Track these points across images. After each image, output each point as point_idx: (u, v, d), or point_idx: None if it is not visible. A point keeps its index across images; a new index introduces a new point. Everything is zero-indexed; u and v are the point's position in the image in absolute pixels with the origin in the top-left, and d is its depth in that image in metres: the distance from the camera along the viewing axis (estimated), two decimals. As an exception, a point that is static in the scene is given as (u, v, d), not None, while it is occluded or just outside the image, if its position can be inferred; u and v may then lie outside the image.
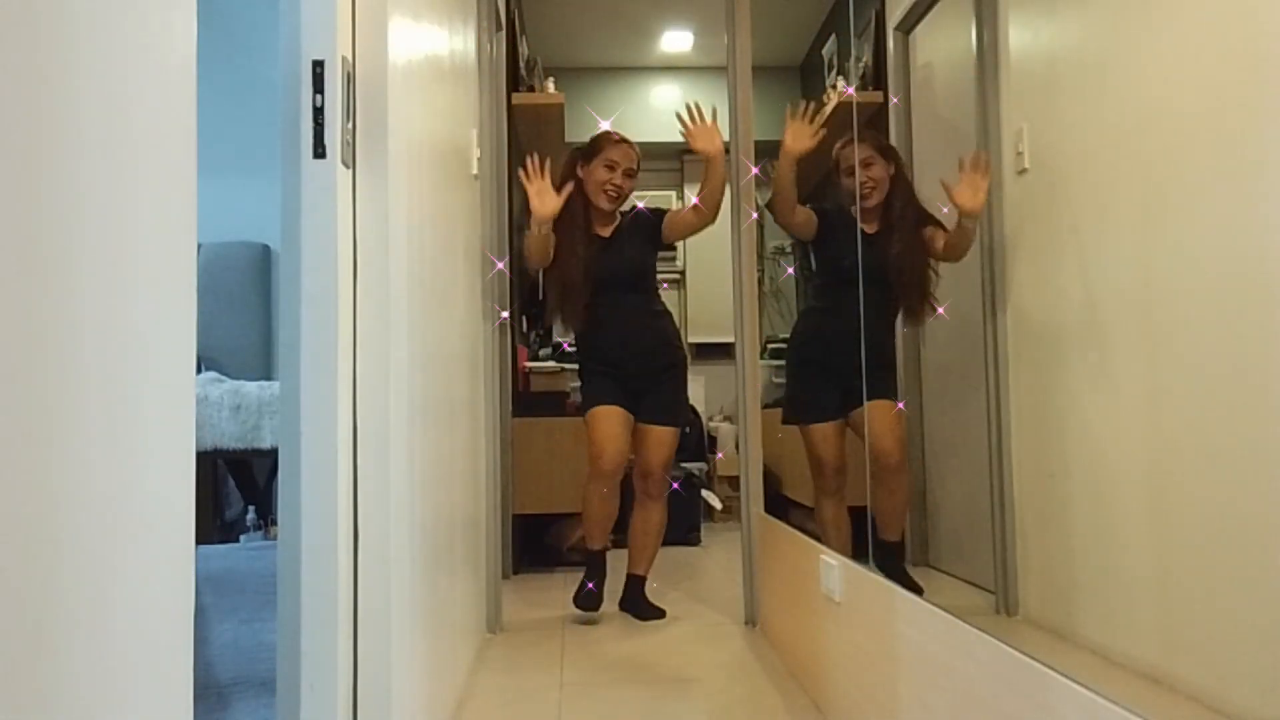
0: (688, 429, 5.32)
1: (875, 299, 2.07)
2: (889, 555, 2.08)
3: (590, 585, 2.78)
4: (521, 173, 2.68)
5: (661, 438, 2.84)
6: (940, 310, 2.08)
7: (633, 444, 2.83)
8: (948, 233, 1.93)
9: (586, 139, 2.97)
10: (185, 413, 0.70)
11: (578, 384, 3.07)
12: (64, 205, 0.56)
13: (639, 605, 2.86)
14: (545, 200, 2.66)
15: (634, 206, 2.99)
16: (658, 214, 2.94)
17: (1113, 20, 1.42)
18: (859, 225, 2.17)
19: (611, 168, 2.83)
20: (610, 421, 2.76)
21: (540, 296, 3.02)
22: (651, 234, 2.90)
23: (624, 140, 2.89)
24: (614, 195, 2.83)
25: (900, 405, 2.20)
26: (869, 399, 2.13)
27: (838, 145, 2.30)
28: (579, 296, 2.81)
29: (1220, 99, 1.13)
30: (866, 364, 2.04)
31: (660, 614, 2.84)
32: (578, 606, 2.77)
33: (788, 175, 2.44)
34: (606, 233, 2.89)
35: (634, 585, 2.88)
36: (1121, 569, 1.40)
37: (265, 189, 3.80)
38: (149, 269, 0.65)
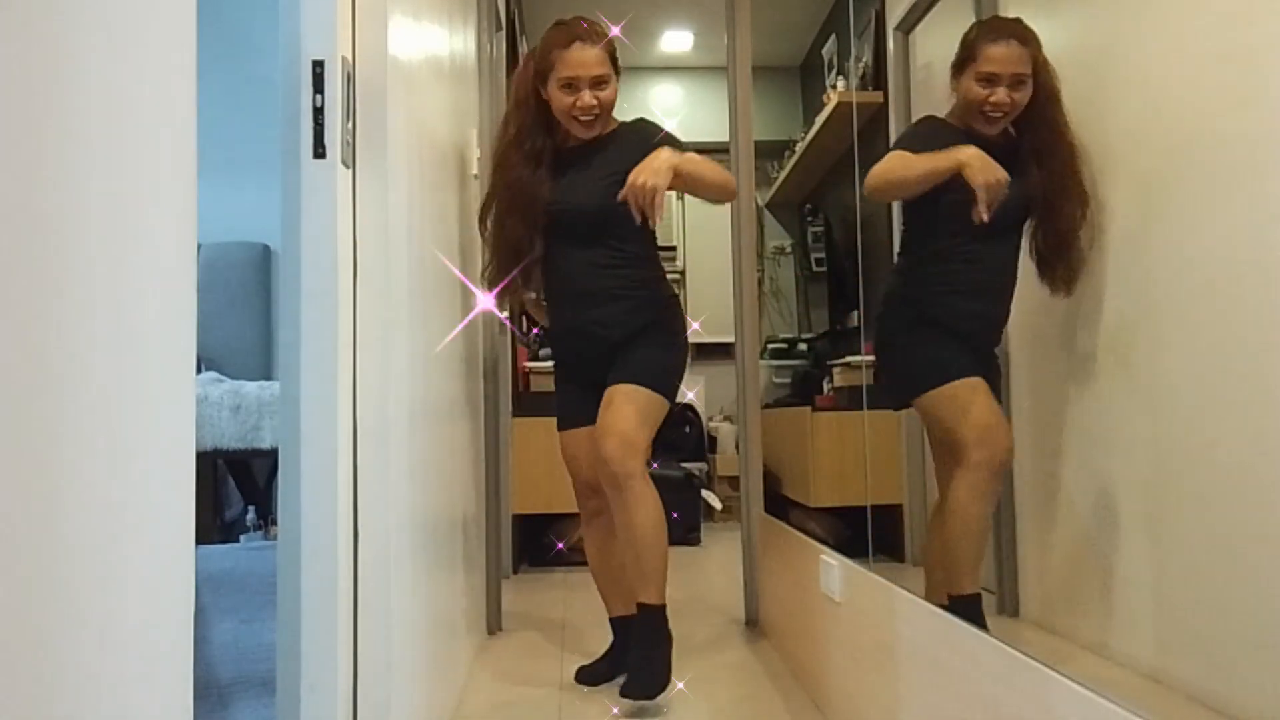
0: (686, 428, 4.82)
1: (1004, 243, 1.59)
2: (968, 612, 1.49)
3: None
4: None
5: (619, 396, 2.02)
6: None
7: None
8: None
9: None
10: (185, 413, 0.70)
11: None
12: (64, 205, 0.56)
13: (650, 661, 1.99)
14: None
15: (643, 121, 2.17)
16: (665, 138, 2.06)
17: (1112, 20, 1.42)
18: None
19: (571, 86, 2.02)
20: (580, 445, 2.16)
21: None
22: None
23: (578, 35, 2.03)
24: (589, 120, 2.05)
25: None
26: (975, 374, 1.66)
27: (976, 31, 1.68)
28: (526, 247, 2.10)
29: (1221, 97, 1.13)
30: (997, 328, 1.64)
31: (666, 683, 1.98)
32: (579, 680, 2.20)
33: (921, 183, 1.71)
34: (586, 137, 2.10)
35: (642, 620, 2.02)
36: (1122, 569, 1.40)
37: (265, 189, 3.81)
38: (149, 269, 0.65)
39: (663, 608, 2.03)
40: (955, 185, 1.58)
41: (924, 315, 1.77)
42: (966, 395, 1.68)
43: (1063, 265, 1.51)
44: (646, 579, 2.02)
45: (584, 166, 2.10)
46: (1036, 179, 1.54)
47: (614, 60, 2.08)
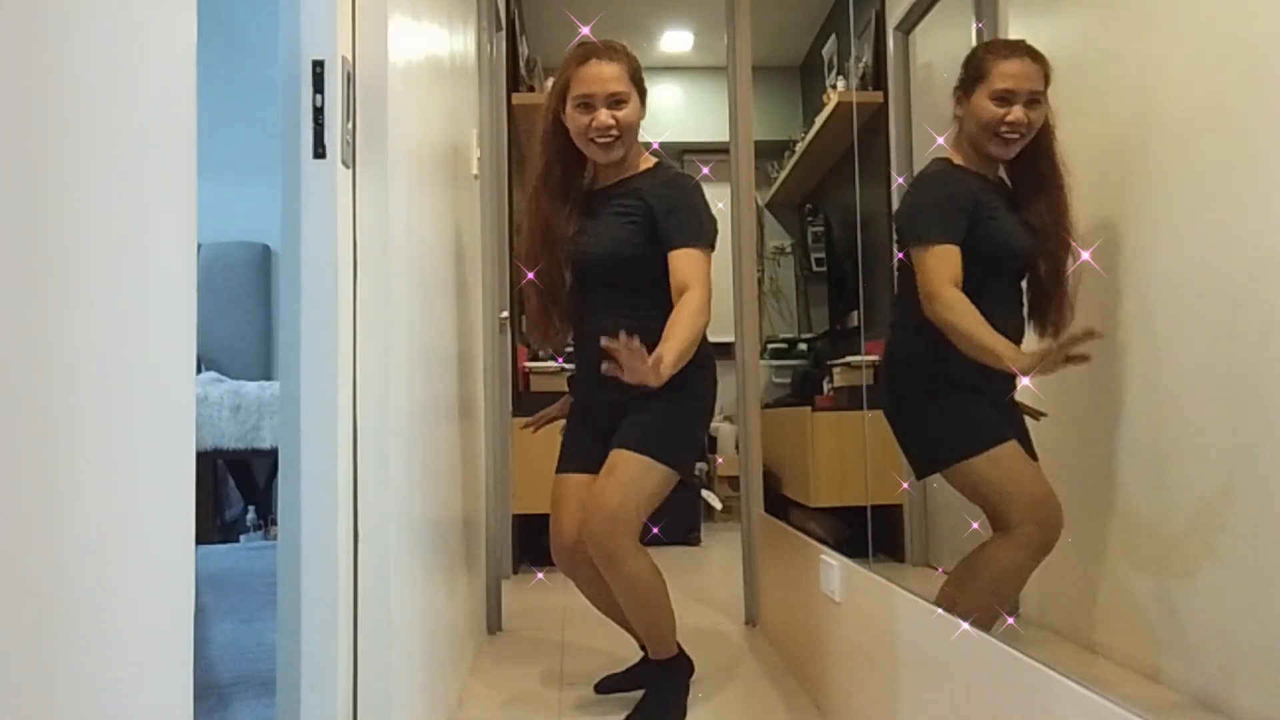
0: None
1: (1013, 287, 1.50)
2: None
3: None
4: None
5: (619, 464, 1.87)
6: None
7: None
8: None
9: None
10: (185, 413, 0.70)
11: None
12: (64, 205, 0.56)
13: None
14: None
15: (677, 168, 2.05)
16: (674, 214, 1.91)
17: (1113, 19, 1.42)
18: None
19: (587, 106, 1.92)
20: (568, 492, 2.01)
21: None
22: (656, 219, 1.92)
23: (594, 53, 1.94)
24: (607, 142, 1.92)
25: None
26: (1010, 437, 1.54)
27: (984, 50, 1.59)
28: (562, 297, 2.02)
29: (1221, 97, 1.13)
30: (1015, 377, 1.51)
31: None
32: (599, 690, 2.14)
33: (971, 351, 1.57)
34: (606, 181, 2.01)
35: (654, 674, 2.00)
36: (1122, 569, 1.40)
37: (265, 189, 3.81)
38: (149, 269, 0.65)
39: (674, 659, 1.99)
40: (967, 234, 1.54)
41: (943, 372, 1.63)
42: (1012, 463, 1.55)
43: (1052, 308, 1.46)
44: (653, 641, 1.97)
45: (603, 209, 1.98)
46: (1036, 218, 1.48)
47: (636, 80, 1.95)
